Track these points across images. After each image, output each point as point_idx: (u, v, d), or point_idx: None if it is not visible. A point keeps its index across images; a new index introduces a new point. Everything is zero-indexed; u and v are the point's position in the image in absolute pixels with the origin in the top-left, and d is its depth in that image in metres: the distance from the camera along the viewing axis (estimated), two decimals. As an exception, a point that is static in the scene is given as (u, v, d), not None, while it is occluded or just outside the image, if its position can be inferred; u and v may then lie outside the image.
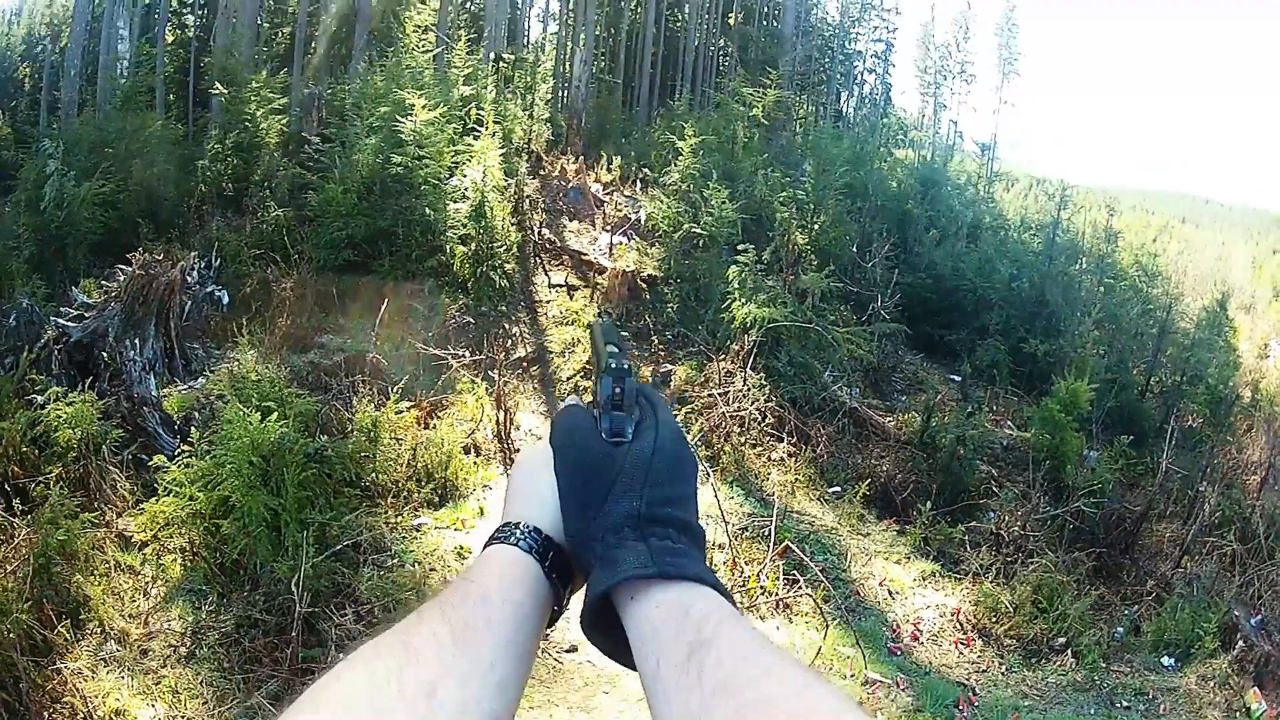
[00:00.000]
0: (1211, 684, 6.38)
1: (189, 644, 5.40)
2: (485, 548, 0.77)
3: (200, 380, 8.14)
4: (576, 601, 0.76)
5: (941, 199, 18.18)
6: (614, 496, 0.73)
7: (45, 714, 4.54)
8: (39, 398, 6.62)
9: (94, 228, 11.32)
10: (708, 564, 0.73)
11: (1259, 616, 7.13)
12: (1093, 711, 6.18)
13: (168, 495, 6.07)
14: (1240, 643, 6.67)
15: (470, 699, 0.61)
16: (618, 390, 0.81)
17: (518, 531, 0.76)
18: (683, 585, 0.67)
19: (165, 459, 6.23)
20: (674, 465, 0.77)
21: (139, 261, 7.84)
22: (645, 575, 0.67)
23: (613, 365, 0.83)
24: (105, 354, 7.32)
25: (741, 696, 0.56)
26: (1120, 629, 7.46)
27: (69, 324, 7.56)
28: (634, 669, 0.67)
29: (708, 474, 7.74)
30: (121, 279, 7.81)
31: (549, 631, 0.83)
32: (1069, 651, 6.92)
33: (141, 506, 6.25)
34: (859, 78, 36.98)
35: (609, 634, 0.70)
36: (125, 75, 16.08)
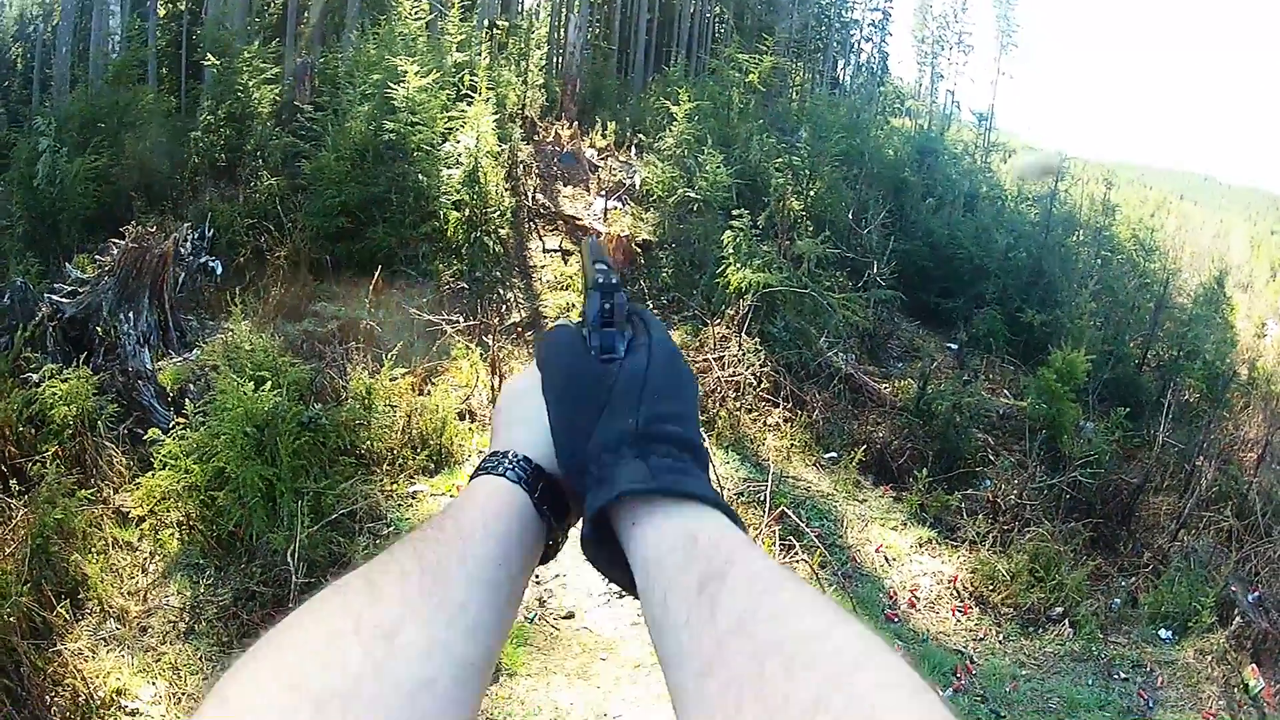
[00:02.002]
0: (1209, 659, 6.37)
1: (188, 619, 5.40)
2: (471, 479, 0.71)
3: (194, 352, 8.10)
4: (573, 536, 0.71)
5: (938, 168, 18.04)
6: (608, 415, 0.68)
7: (47, 698, 4.53)
8: (34, 375, 6.59)
9: (87, 203, 11.32)
10: (713, 484, 0.67)
11: (1256, 593, 7.14)
12: (1090, 682, 6.20)
13: (163, 469, 6.05)
14: (1238, 618, 6.66)
15: (436, 642, 0.54)
16: (607, 306, 0.75)
17: (505, 461, 0.70)
18: (687, 508, 0.61)
19: (160, 432, 6.21)
20: (671, 381, 0.71)
21: (132, 235, 7.79)
22: (644, 490, 0.62)
23: (601, 280, 0.77)
24: (99, 329, 7.29)
25: (760, 636, 0.50)
26: (1117, 600, 7.45)
27: (63, 300, 7.52)
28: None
29: (702, 438, 7.71)
30: (115, 253, 7.76)
31: (540, 569, 0.78)
32: (1066, 621, 6.92)
33: (138, 481, 6.22)
34: (856, 46, 36.75)
35: (612, 561, 0.65)
36: (117, 50, 15.93)
